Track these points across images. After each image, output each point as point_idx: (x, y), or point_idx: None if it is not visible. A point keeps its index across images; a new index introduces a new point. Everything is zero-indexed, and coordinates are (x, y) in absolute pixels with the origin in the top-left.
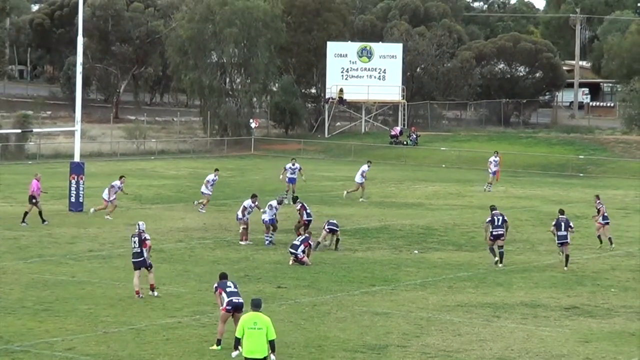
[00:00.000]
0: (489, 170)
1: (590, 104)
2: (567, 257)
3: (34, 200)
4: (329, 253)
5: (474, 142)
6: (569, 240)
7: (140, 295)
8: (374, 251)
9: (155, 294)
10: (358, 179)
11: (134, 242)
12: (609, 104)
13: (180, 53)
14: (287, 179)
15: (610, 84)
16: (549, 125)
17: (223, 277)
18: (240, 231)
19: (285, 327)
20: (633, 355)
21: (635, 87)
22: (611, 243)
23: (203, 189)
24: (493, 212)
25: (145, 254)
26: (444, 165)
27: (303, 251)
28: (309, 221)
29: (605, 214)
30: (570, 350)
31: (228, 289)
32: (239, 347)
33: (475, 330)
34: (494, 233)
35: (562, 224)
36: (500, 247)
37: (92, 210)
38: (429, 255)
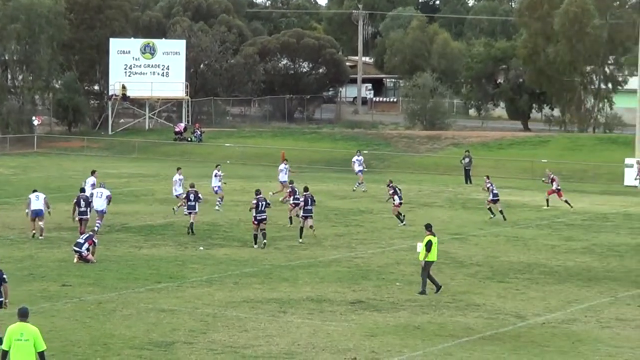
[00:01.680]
0: (354, 170)
1: (374, 99)
2: (311, 227)
3: None
4: (113, 250)
5: (259, 138)
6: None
7: None
8: (160, 248)
9: None
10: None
11: None
12: (392, 99)
13: None
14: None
15: (393, 80)
16: (333, 120)
17: None
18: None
19: (71, 326)
20: (418, 348)
21: (417, 83)
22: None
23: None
24: (258, 196)
25: None
26: (228, 162)
27: (87, 249)
28: (81, 219)
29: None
30: (356, 345)
31: None
32: None
33: (261, 325)
34: (257, 217)
35: (309, 199)
36: (263, 229)
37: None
38: (214, 252)
